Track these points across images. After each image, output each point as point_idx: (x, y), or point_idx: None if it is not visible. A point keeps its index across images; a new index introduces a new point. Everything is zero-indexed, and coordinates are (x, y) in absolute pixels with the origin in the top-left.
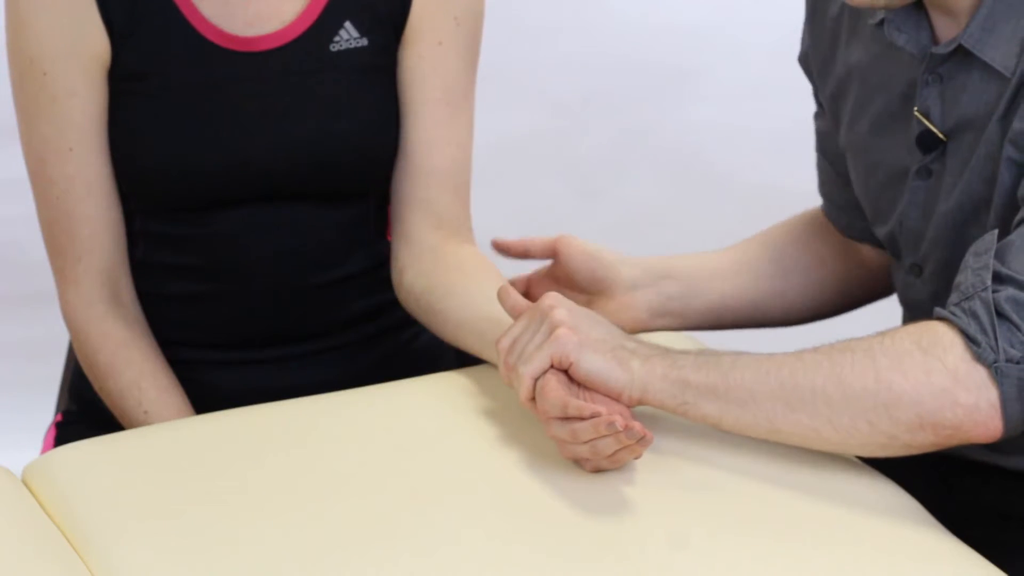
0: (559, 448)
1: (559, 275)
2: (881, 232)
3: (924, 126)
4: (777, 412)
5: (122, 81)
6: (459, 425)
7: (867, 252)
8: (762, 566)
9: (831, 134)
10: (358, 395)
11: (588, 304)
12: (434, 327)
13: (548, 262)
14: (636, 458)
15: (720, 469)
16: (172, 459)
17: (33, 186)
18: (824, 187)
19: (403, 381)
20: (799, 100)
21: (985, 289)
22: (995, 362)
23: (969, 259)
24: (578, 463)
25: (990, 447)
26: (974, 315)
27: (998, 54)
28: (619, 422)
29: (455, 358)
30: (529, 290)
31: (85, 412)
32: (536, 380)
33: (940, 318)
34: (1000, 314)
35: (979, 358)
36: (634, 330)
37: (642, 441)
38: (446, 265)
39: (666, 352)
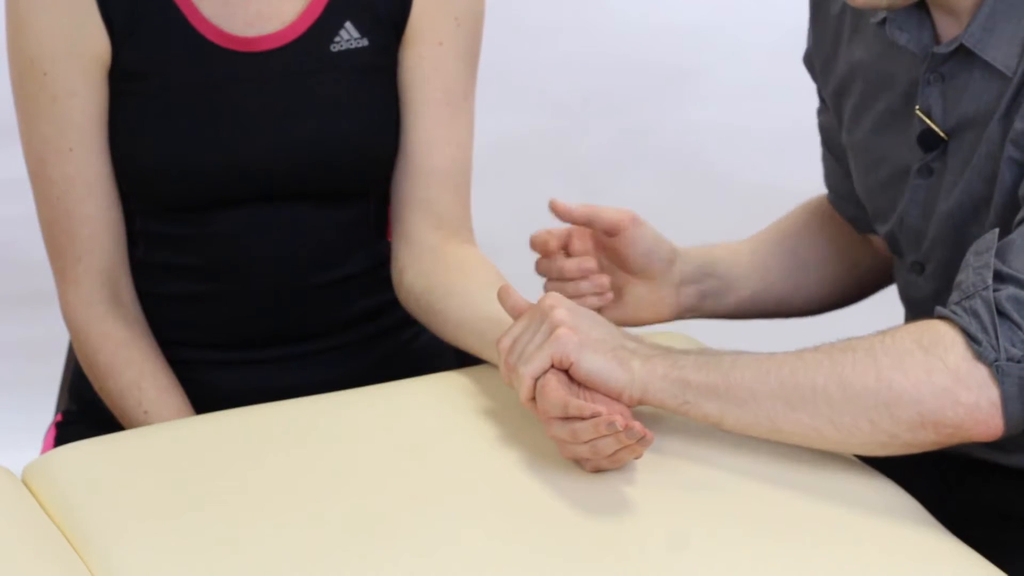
0: (559, 448)
1: (611, 247)
2: (883, 230)
3: (925, 125)
4: (778, 411)
5: (122, 81)
6: (459, 425)
7: (877, 241)
8: (762, 566)
9: (835, 131)
10: (358, 395)
11: (622, 285)
12: (434, 327)
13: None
14: (636, 458)
15: (720, 469)
16: (172, 459)
17: (33, 186)
18: (830, 181)
19: (403, 381)
20: (799, 100)
21: (986, 288)
22: (996, 361)
23: (970, 258)
24: (578, 463)
25: (991, 445)
26: (975, 314)
27: (999, 54)
28: (619, 422)
29: (455, 358)
30: (569, 244)
31: (85, 412)
32: (536, 380)
33: (941, 317)
34: (1001, 313)
35: (980, 357)
36: (657, 320)
37: (642, 441)
38: (446, 265)
39: (666, 352)
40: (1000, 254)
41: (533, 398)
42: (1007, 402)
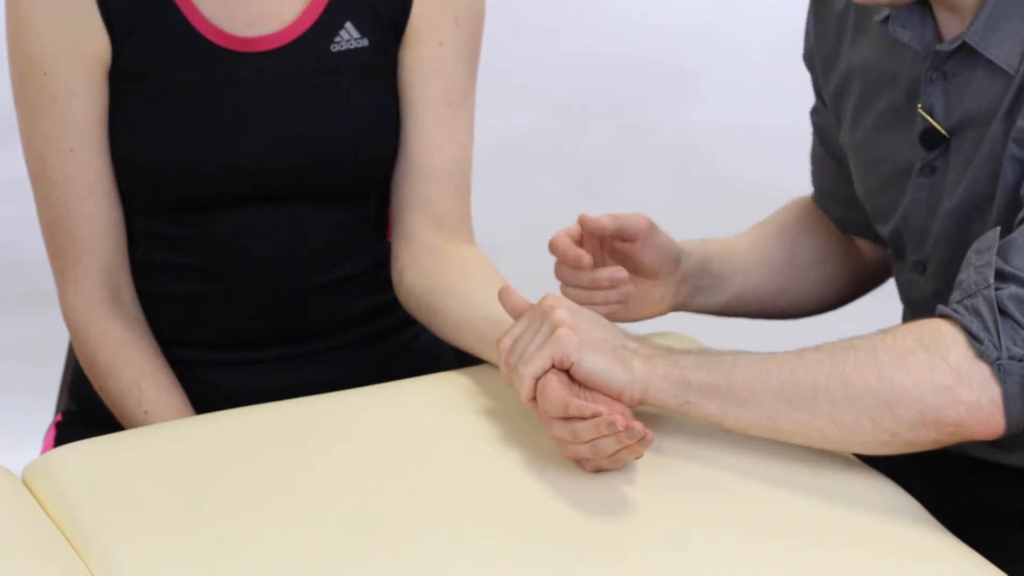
0: (560, 448)
1: (623, 250)
2: (884, 230)
3: (928, 123)
4: (779, 411)
5: (122, 81)
6: (459, 425)
7: (863, 246)
8: (762, 566)
9: (832, 130)
10: (358, 395)
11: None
12: (434, 327)
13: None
14: (637, 458)
15: (720, 469)
16: (172, 459)
17: (33, 186)
18: (820, 181)
19: (403, 381)
20: (799, 100)
21: (988, 287)
22: (997, 359)
23: (971, 256)
24: (579, 463)
25: (992, 444)
26: (977, 313)
27: (1002, 52)
28: (620, 422)
29: (455, 358)
30: (583, 240)
31: (85, 412)
32: (537, 380)
33: (943, 315)
34: (1003, 312)
35: (982, 356)
36: (654, 315)
37: (643, 441)
38: (446, 265)
39: (667, 352)
40: (1002, 253)
41: (534, 398)
42: (1008, 400)
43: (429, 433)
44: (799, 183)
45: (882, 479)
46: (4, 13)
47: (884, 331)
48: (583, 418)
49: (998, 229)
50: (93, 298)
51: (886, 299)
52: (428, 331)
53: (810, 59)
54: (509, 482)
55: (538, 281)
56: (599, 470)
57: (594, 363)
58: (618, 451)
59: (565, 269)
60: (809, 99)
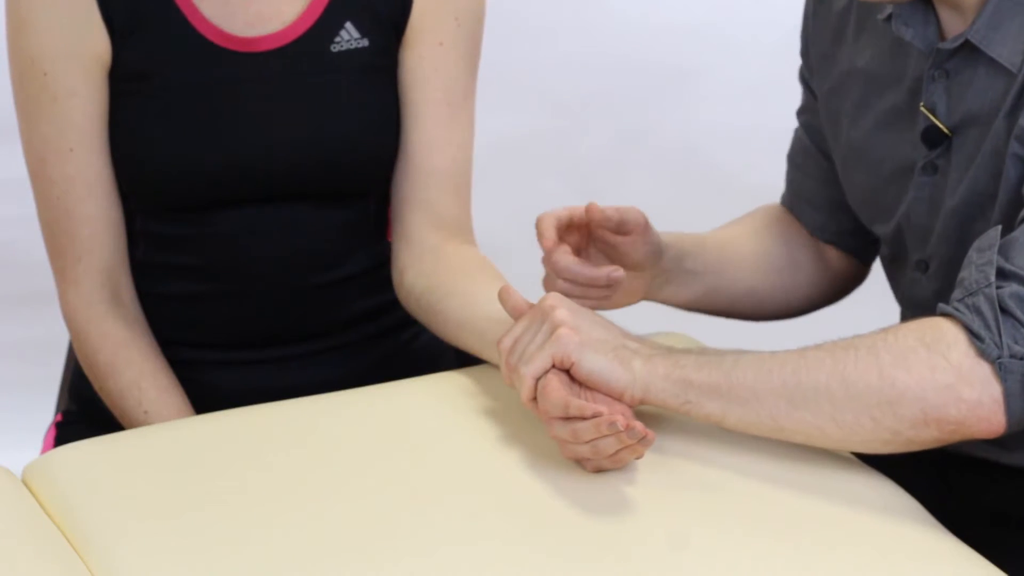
0: (560, 448)
1: (612, 242)
2: (883, 229)
3: (930, 121)
4: (780, 410)
5: (123, 81)
6: (459, 425)
7: (832, 255)
8: (762, 566)
9: (823, 130)
10: (358, 395)
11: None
12: (435, 327)
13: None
14: (637, 458)
15: (720, 469)
16: (172, 459)
17: (33, 186)
18: (798, 185)
19: (403, 381)
20: (799, 100)
21: (989, 285)
22: (999, 358)
23: (972, 255)
24: (579, 463)
25: (992, 443)
26: (978, 311)
27: (1005, 50)
28: (620, 422)
29: (455, 358)
30: (566, 234)
31: (85, 412)
32: (537, 380)
33: (944, 314)
34: (1004, 310)
35: (983, 354)
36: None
37: (643, 441)
38: (447, 266)
39: (668, 352)
40: (1003, 251)
41: (534, 398)
42: (1009, 399)
43: (429, 433)
44: None
45: (882, 479)
46: (4, 13)
47: (885, 330)
48: (583, 418)
49: (999, 227)
50: (93, 298)
51: (886, 299)
52: (428, 331)
53: (806, 55)
54: (509, 482)
55: (538, 281)
56: (599, 470)
57: (595, 363)
58: (619, 451)
59: (562, 263)
60: None
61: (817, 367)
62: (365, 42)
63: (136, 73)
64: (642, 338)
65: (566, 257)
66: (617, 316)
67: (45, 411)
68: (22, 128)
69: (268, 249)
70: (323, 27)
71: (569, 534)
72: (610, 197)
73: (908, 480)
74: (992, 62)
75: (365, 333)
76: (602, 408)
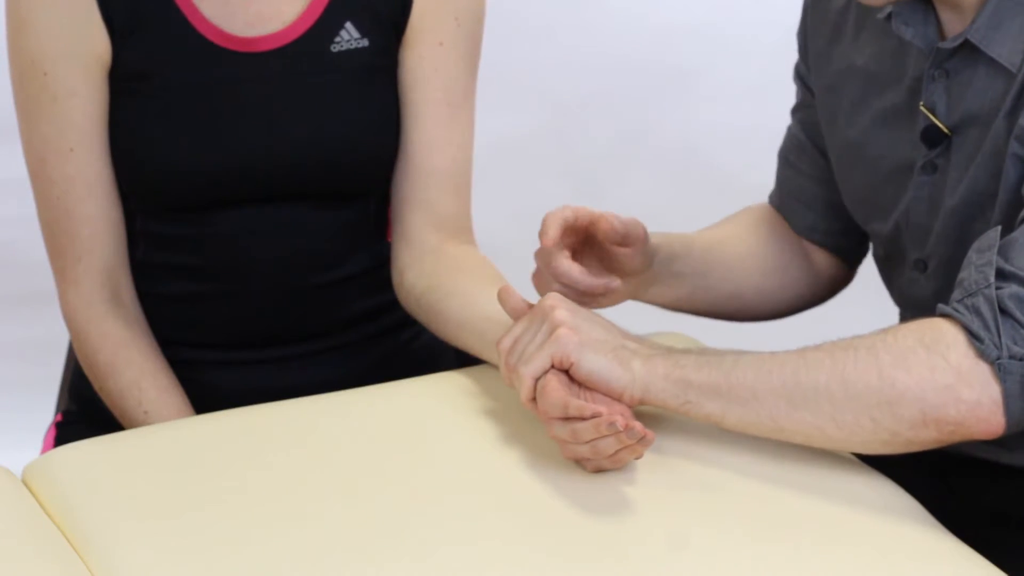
0: (560, 448)
1: (609, 250)
2: (879, 228)
3: (930, 121)
4: (780, 410)
5: (123, 81)
6: (459, 425)
7: (818, 257)
8: (762, 566)
9: (819, 127)
10: (358, 395)
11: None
12: (435, 327)
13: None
14: (637, 458)
15: (720, 469)
16: (172, 459)
17: (33, 186)
18: (791, 184)
19: (403, 381)
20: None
21: (988, 286)
22: (998, 359)
23: (972, 255)
24: (579, 463)
25: (992, 443)
26: (977, 312)
27: (1004, 50)
28: (620, 422)
29: (455, 358)
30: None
31: (85, 412)
32: (537, 380)
33: (943, 315)
34: (1003, 311)
35: (982, 355)
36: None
37: (643, 441)
38: (447, 266)
39: (667, 352)
40: (1003, 252)
41: (534, 398)
42: (1009, 400)
43: (429, 433)
44: None
45: (882, 479)
46: (4, 13)
47: (884, 330)
48: (583, 418)
49: (999, 228)
50: (93, 298)
51: (884, 299)
52: (428, 331)
53: (804, 53)
54: (509, 482)
55: None
56: (599, 470)
57: (594, 363)
58: (618, 451)
59: (563, 268)
60: None
61: (817, 367)
62: (365, 42)
63: (136, 73)
64: (642, 338)
65: (567, 263)
66: (617, 316)
67: (45, 411)
68: (22, 128)
69: (268, 249)
70: (323, 27)
71: (569, 534)
72: (610, 197)
73: (908, 480)
74: (992, 62)
75: (365, 333)
76: (601, 408)
